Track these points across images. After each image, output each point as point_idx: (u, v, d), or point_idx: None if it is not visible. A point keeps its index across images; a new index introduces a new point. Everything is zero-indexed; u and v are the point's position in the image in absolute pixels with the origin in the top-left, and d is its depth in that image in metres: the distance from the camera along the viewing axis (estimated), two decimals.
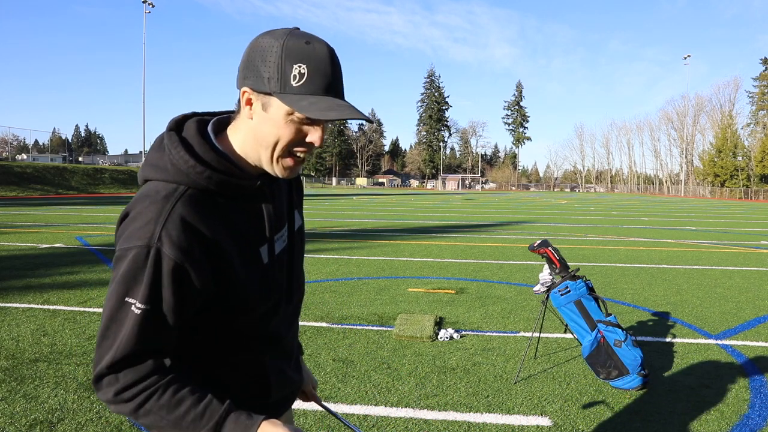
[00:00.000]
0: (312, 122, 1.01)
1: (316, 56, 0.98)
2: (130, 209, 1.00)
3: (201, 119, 1.12)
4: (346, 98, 1.04)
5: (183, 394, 0.97)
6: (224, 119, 1.13)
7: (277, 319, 1.18)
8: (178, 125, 1.09)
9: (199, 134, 1.06)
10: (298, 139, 1.02)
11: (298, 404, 3.22)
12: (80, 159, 76.81)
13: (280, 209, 1.19)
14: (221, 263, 1.02)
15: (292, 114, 0.99)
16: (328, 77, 0.99)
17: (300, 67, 0.97)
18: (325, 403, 1.42)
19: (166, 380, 0.98)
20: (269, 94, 0.98)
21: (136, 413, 0.95)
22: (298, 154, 1.05)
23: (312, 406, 3.23)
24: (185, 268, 0.96)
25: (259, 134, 1.03)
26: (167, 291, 0.96)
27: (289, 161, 1.05)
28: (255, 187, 1.08)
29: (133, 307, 0.95)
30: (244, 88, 1.01)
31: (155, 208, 0.97)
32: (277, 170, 1.06)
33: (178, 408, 0.96)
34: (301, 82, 0.97)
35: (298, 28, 1.01)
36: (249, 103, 1.02)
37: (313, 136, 1.03)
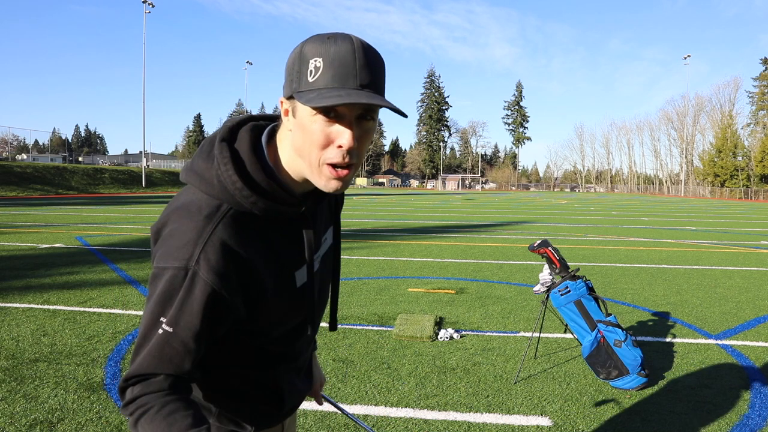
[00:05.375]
0: (337, 120, 0.91)
1: (334, 48, 0.89)
2: (168, 220, 0.96)
3: (256, 126, 1.05)
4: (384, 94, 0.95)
5: (175, 415, 0.91)
6: (278, 126, 1.05)
7: (301, 340, 1.18)
8: (231, 133, 1.02)
9: (252, 150, 0.99)
10: (327, 142, 0.92)
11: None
12: (80, 159, 76.77)
13: (319, 233, 1.15)
14: (255, 287, 0.99)
15: (315, 114, 0.90)
16: (347, 66, 0.88)
17: (316, 61, 0.89)
18: (331, 399, 1.44)
19: (165, 398, 0.93)
20: (292, 97, 0.93)
21: (135, 427, 0.94)
22: (334, 162, 0.93)
23: (312, 405, 3.23)
24: (221, 295, 0.93)
25: (295, 144, 0.96)
26: (197, 316, 0.93)
27: (327, 171, 0.94)
28: (298, 213, 1.03)
29: (163, 326, 0.93)
30: (281, 98, 0.98)
31: (195, 227, 0.93)
32: (320, 184, 0.96)
33: (170, 428, 0.91)
34: (317, 76, 0.89)
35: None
36: (286, 113, 0.97)
37: (341, 137, 0.91)
